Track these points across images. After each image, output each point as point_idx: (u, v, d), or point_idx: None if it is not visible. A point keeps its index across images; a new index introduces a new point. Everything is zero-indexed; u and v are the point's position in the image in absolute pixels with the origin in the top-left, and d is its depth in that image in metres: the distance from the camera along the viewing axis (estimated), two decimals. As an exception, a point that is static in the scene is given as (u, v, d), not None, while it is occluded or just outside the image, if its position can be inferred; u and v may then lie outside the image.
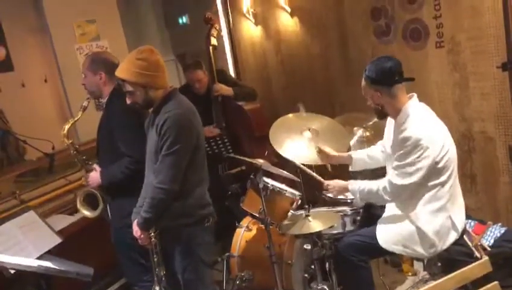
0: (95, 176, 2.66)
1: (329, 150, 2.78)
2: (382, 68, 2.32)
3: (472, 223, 3.04)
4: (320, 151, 2.79)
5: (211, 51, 3.79)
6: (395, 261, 3.26)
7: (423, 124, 2.28)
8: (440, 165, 2.28)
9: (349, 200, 2.75)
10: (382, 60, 2.36)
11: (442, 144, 2.28)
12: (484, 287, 1.58)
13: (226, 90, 3.78)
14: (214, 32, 3.82)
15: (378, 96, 2.37)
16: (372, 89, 2.37)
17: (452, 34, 3.17)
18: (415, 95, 2.40)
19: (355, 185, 2.51)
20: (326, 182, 2.68)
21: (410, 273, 3.19)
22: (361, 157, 2.74)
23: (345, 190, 2.59)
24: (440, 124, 2.39)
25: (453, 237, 2.35)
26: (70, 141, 2.69)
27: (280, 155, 2.89)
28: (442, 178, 2.31)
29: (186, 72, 3.84)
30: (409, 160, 2.27)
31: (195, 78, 3.75)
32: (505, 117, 3.02)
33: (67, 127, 2.68)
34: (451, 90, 3.28)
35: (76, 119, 2.72)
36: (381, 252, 2.45)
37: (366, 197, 2.47)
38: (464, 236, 2.45)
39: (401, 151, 2.29)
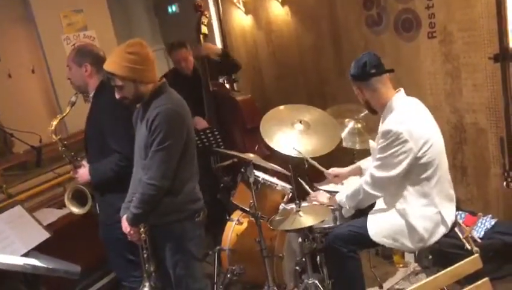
0: (83, 172, 2.61)
1: (338, 170, 2.78)
2: (358, 63, 2.35)
3: (463, 215, 3.05)
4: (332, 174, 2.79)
5: (201, 39, 3.74)
6: (386, 253, 3.27)
7: (405, 118, 2.28)
8: (423, 161, 2.28)
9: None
10: (362, 56, 2.38)
11: (424, 140, 2.27)
12: (475, 284, 1.57)
13: (214, 48, 3.86)
14: (204, 20, 3.76)
15: (360, 92, 2.41)
16: (355, 86, 2.42)
17: (444, 24, 3.15)
18: (402, 90, 2.39)
19: (342, 194, 2.51)
20: (312, 194, 2.71)
21: (401, 265, 3.20)
22: (369, 164, 2.73)
23: (332, 201, 2.58)
24: (425, 119, 2.37)
25: (441, 231, 2.35)
26: (58, 137, 2.63)
27: (272, 148, 2.86)
28: (427, 173, 2.30)
29: (171, 53, 3.82)
30: (389, 152, 2.27)
31: (180, 57, 3.74)
32: (497, 108, 3.02)
33: (55, 123, 2.62)
34: (443, 81, 3.26)
35: (64, 115, 2.66)
36: (371, 243, 2.45)
37: (353, 200, 2.45)
38: (455, 228, 2.46)
39: (383, 144, 2.30)
